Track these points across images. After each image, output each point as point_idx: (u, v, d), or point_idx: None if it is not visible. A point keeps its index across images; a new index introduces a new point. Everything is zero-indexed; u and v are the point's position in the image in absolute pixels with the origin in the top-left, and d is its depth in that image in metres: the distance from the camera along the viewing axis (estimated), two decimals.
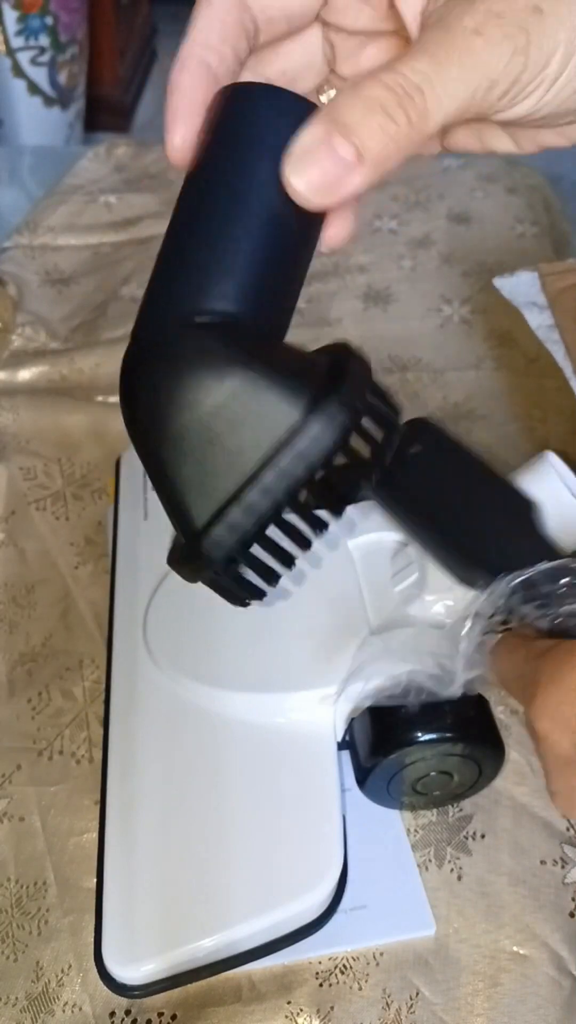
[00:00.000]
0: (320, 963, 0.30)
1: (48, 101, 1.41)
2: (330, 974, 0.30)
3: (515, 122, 0.22)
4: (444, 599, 0.31)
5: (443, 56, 0.19)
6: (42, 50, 1.35)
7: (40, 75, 1.37)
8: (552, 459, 0.29)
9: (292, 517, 0.22)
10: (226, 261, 0.21)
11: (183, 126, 0.22)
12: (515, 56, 0.19)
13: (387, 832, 0.32)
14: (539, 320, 0.40)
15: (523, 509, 0.28)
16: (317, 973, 0.30)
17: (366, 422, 0.21)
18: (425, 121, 0.19)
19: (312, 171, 0.19)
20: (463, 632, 0.26)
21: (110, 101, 1.73)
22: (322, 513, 0.23)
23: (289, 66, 0.24)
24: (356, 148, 0.19)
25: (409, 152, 0.20)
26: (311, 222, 0.22)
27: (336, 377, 0.21)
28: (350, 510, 0.36)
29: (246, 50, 0.22)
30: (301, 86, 0.25)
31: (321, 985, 0.30)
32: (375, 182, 0.20)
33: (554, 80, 0.20)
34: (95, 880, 0.29)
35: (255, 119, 0.21)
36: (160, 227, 0.66)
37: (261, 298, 0.21)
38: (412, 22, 0.21)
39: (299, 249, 0.22)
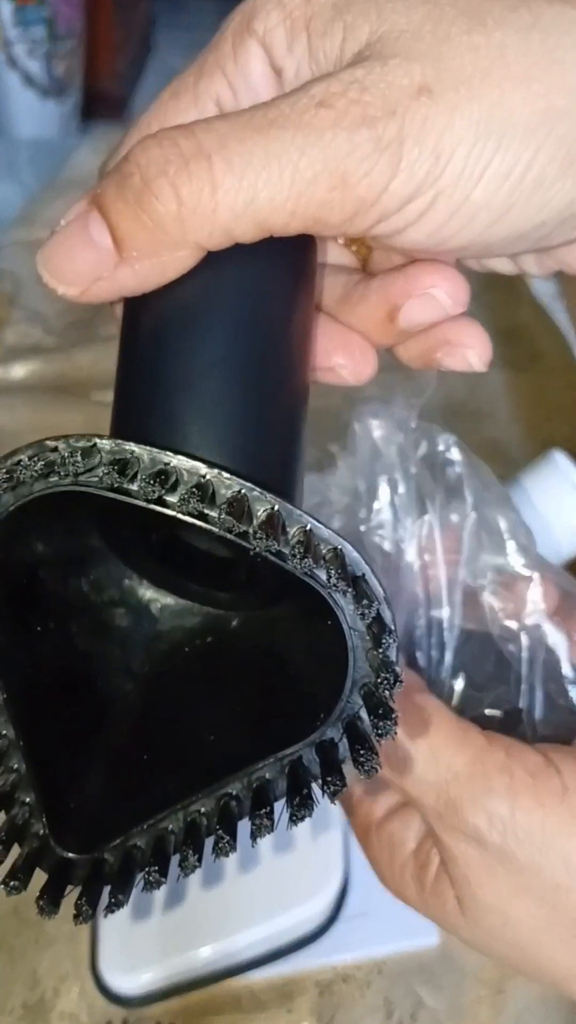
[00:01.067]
0: (322, 972, 0.29)
1: (44, 93, 1.40)
2: (332, 983, 0.29)
3: (431, 255, 0.16)
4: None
5: (262, 121, 0.13)
6: (38, 42, 1.34)
7: (36, 67, 1.36)
8: (558, 458, 0.28)
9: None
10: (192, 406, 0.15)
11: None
12: (377, 152, 0.13)
13: None
14: (544, 287, 0.40)
15: None
16: (318, 982, 0.29)
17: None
18: (209, 200, 0.13)
19: (64, 265, 0.14)
20: None
21: (107, 93, 1.72)
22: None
23: None
24: (111, 233, 0.14)
25: (199, 244, 0.14)
26: (291, 341, 0.16)
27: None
28: None
29: None
30: None
31: (322, 994, 0.29)
32: (156, 279, 0.15)
33: (458, 201, 0.14)
34: None
35: None
36: None
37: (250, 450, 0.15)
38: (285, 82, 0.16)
39: (275, 372, 0.16)
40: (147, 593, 0.18)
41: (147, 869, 0.16)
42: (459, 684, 0.23)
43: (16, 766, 0.16)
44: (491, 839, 0.18)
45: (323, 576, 0.13)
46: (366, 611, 0.13)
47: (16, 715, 0.15)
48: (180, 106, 0.16)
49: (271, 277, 0.15)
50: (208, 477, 0.13)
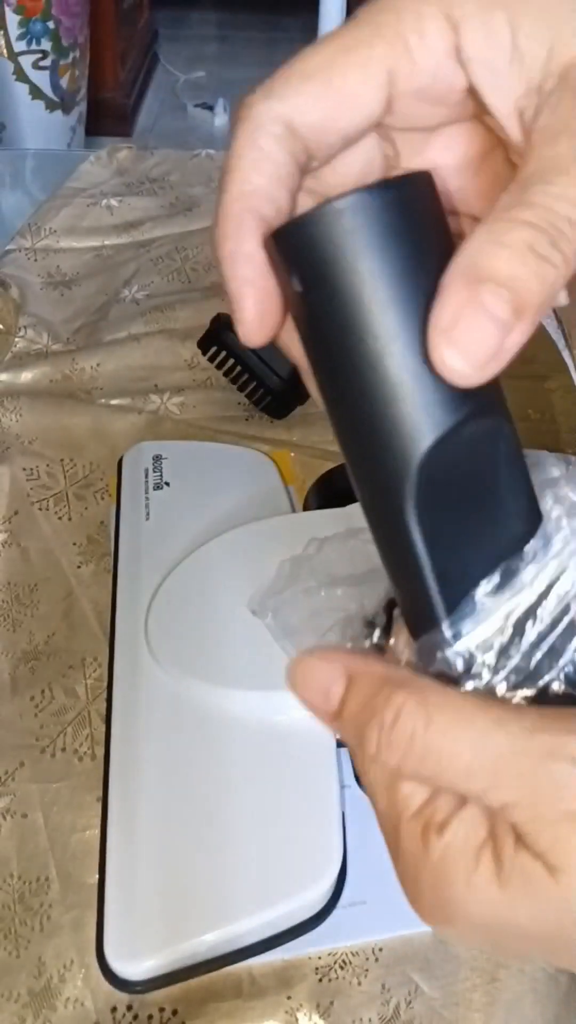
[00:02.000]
0: (320, 958, 0.30)
1: (50, 105, 1.41)
2: (330, 969, 0.30)
3: None
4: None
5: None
6: (44, 54, 1.36)
7: (42, 79, 1.38)
8: (550, 460, 0.29)
9: None
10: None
11: (253, 298, 0.17)
12: None
13: None
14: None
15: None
16: (317, 968, 0.30)
17: None
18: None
19: (467, 342, 0.15)
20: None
21: (112, 105, 1.74)
22: None
23: (346, 180, 0.20)
24: (512, 303, 0.15)
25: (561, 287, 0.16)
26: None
27: None
28: (350, 510, 0.36)
29: (299, 185, 0.18)
30: None
31: (321, 980, 0.30)
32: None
33: None
34: (97, 876, 0.29)
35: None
36: (161, 230, 0.66)
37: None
38: (508, 118, 0.17)
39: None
40: None
41: None
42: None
43: None
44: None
45: None
46: None
47: None
48: (350, 63, 0.17)
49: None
50: None
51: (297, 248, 0.16)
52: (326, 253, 0.16)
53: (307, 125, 0.17)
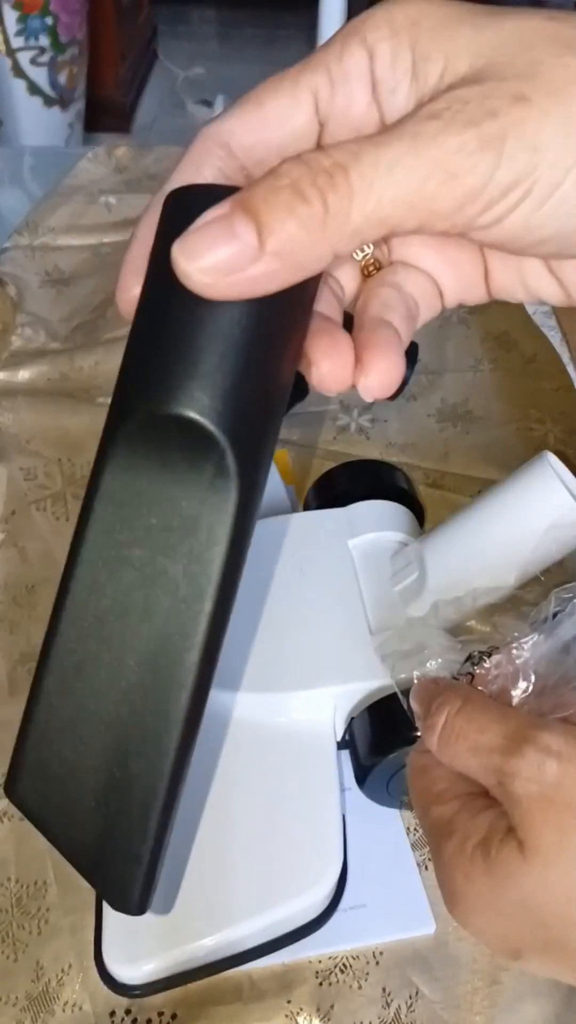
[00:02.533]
0: (320, 962, 0.30)
1: (48, 101, 1.41)
2: (330, 973, 0.30)
3: (517, 247, 0.18)
4: (442, 598, 0.31)
5: (384, 138, 0.16)
6: (42, 50, 1.35)
7: (40, 75, 1.37)
8: (551, 460, 0.29)
9: None
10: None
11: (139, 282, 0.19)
12: (482, 148, 0.16)
13: (387, 831, 0.32)
14: (536, 306, 0.41)
15: None
16: (317, 972, 0.30)
17: None
18: (348, 206, 0.16)
19: (204, 252, 0.16)
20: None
21: (110, 102, 1.73)
22: None
23: None
24: (257, 230, 0.16)
25: (332, 247, 0.16)
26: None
27: None
28: (350, 510, 0.36)
29: None
30: None
31: (321, 984, 0.30)
32: (286, 279, 0.17)
33: (551, 189, 0.16)
34: None
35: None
36: None
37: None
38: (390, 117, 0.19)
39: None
40: None
41: None
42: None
43: None
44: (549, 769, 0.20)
45: None
46: None
47: None
48: (281, 89, 0.19)
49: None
50: None
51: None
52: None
53: (241, 146, 0.19)
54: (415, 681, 0.26)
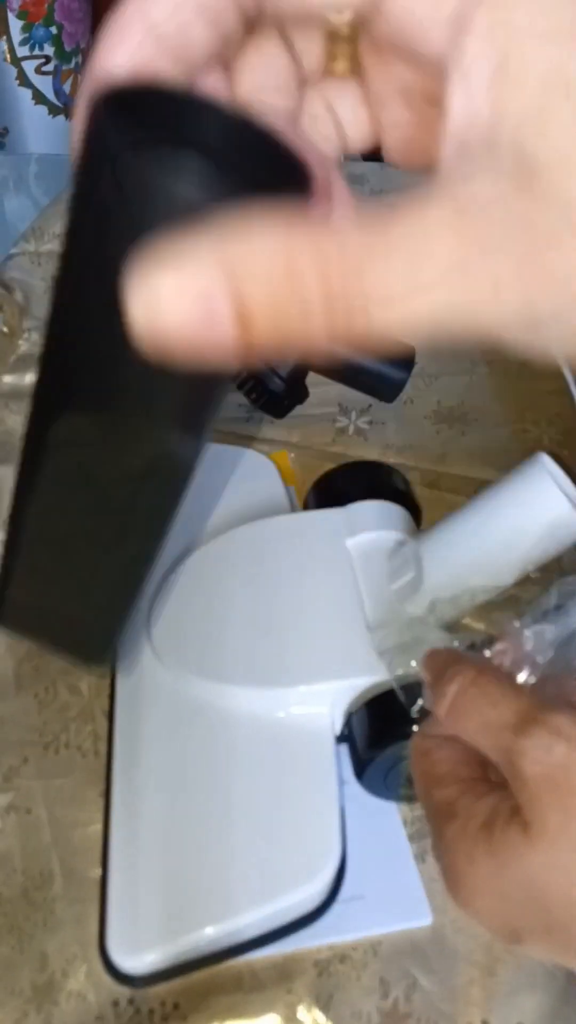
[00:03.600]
0: (319, 952, 0.31)
1: (53, 110, 1.42)
2: (329, 963, 0.30)
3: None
4: (439, 596, 0.31)
5: (470, 238, 0.12)
6: (47, 59, 1.36)
7: (45, 84, 1.39)
8: (546, 461, 0.30)
9: None
10: None
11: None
12: None
13: (384, 824, 0.33)
14: None
15: None
16: (316, 962, 0.30)
17: None
18: (360, 325, 0.12)
19: (166, 318, 0.12)
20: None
21: None
22: None
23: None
24: (242, 315, 0.12)
25: (334, 345, 0.13)
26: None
27: None
28: (348, 510, 0.36)
29: (238, 34, 0.15)
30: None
31: (320, 974, 0.30)
32: (253, 360, 0.13)
33: None
34: (100, 871, 0.30)
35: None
36: None
37: None
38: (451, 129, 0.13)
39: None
40: None
41: None
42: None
43: None
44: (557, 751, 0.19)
45: None
46: None
47: None
48: None
49: None
50: None
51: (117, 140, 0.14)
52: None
53: None
54: (425, 657, 0.25)
